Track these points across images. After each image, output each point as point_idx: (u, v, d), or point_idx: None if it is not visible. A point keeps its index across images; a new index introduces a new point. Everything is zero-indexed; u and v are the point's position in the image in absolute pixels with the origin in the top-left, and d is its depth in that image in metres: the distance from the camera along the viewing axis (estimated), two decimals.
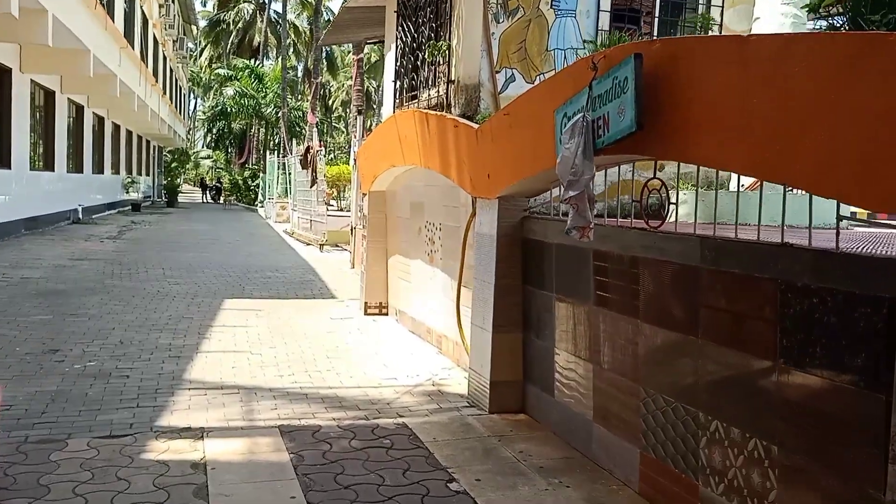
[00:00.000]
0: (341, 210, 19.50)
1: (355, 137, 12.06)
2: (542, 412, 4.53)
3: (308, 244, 16.31)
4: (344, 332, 7.17)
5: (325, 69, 60.22)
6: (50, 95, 17.31)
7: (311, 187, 15.59)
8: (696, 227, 3.25)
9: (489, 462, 3.87)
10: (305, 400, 4.96)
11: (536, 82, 5.82)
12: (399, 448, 4.03)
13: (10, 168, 13.93)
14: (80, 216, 19.78)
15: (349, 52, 76.95)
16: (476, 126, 5.03)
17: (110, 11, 18.46)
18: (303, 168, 16.14)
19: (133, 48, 21.94)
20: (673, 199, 3.52)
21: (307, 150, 15.67)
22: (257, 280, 10.33)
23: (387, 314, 8.07)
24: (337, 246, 16.00)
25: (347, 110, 73.15)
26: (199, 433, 4.14)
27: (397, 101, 7.68)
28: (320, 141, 16.65)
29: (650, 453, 3.40)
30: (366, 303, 8.09)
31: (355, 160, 11.88)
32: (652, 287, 3.39)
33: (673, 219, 3.46)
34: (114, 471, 3.55)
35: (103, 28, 16.56)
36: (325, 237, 15.12)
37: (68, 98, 18.84)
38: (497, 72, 5.81)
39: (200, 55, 58.02)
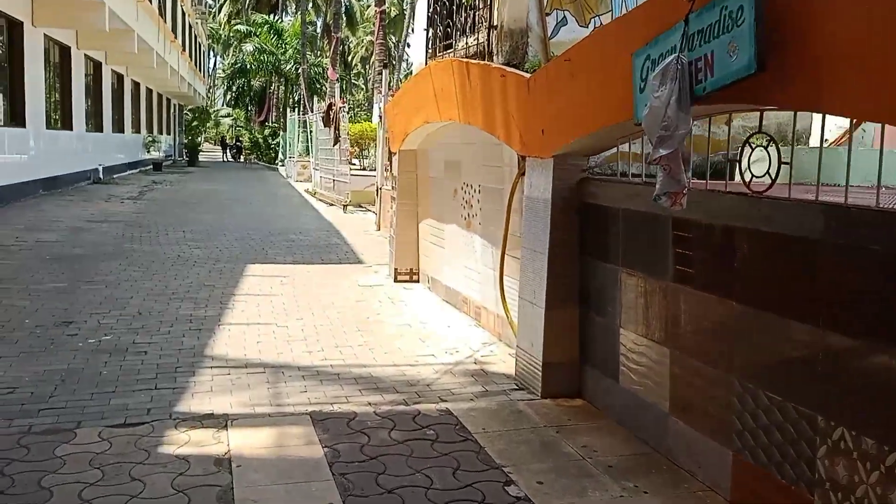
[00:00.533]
0: (364, 169, 18.96)
1: (379, 93, 11.45)
2: (604, 398, 4.04)
3: (331, 205, 15.84)
4: (374, 302, 6.70)
5: (345, 25, 59.00)
6: (65, 51, 16.81)
7: (333, 146, 15.04)
8: (790, 191, 2.70)
9: (549, 459, 3.40)
10: (337, 381, 4.51)
11: (591, 27, 5.19)
12: (445, 441, 3.57)
13: (24, 126, 13.52)
14: (101, 176, 19.45)
15: (369, 5, 75.43)
16: (527, 76, 4.44)
17: None
18: (325, 126, 15.57)
19: (150, 2, 21.27)
20: (775, 160, 2.94)
21: (329, 107, 15.07)
22: (280, 244, 9.89)
23: (417, 281, 7.59)
24: (361, 206, 15.51)
25: (367, 67, 71.84)
26: (222, 421, 3.72)
27: (430, 51, 7.06)
28: (342, 97, 16.01)
29: (747, 457, 2.90)
30: (395, 269, 7.61)
31: (381, 117, 11.31)
32: (754, 263, 2.84)
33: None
34: (127, 468, 3.14)
35: None
36: (348, 198, 14.62)
37: (85, 54, 18.34)
38: (547, 14, 5.18)
39: (219, 11, 57.05)
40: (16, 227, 9.97)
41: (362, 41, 73.60)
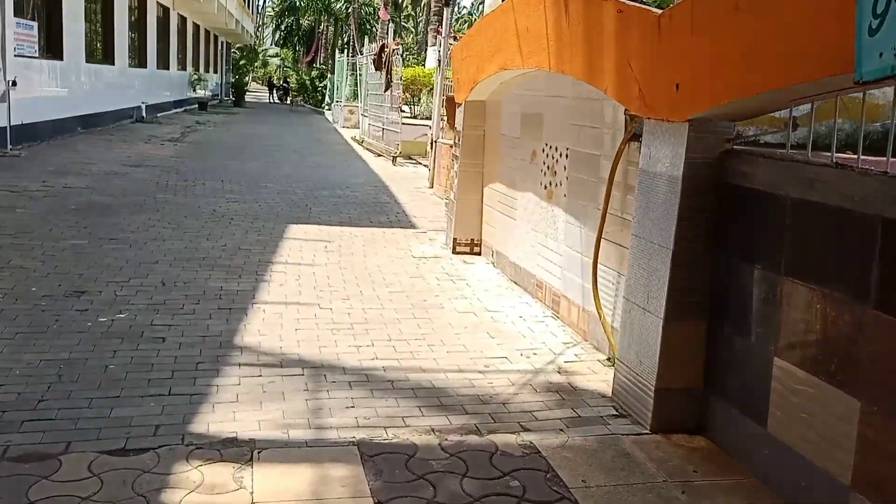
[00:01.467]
0: (416, 117, 17.90)
1: (436, 35, 10.32)
2: (739, 442, 3.09)
3: (379, 155, 14.89)
4: (431, 279, 5.80)
5: None
6: None
7: (384, 91, 13.99)
8: None
9: None
10: (391, 390, 3.64)
11: None
12: (535, 499, 2.68)
13: (62, 59, 12.80)
14: (144, 115, 18.82)
15: None
16: (658, 11, 3.37)
17: None
18: (376, 69, 14.50)
19: None
20: None
21: (381, 48, 13.98)
22: (325, 199, 9.02)
23: (479, 253, 6.65)
24: (410, 158, 14.54)
25: (418, 9, 69.75)
26: (247, 451, 2.89)
27: None
28: (395, 39, 14.88)
29: None
30: (455, 239, 6.67)
31: (438, 61, 10.22)
32: None
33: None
34: None
35: None
36: (398, 149, 13.64)
37: None
38: None
39: None
40: (45, 169, 9.29)
41: None
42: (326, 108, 33.52)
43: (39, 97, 11.77)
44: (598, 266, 4.27)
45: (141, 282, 5.07)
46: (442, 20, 19.44)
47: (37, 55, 11.48)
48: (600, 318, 4.23)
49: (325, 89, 35.12)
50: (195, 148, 13.60)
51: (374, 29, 36.73)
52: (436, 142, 10.30)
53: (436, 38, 18.53)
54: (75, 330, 4.10)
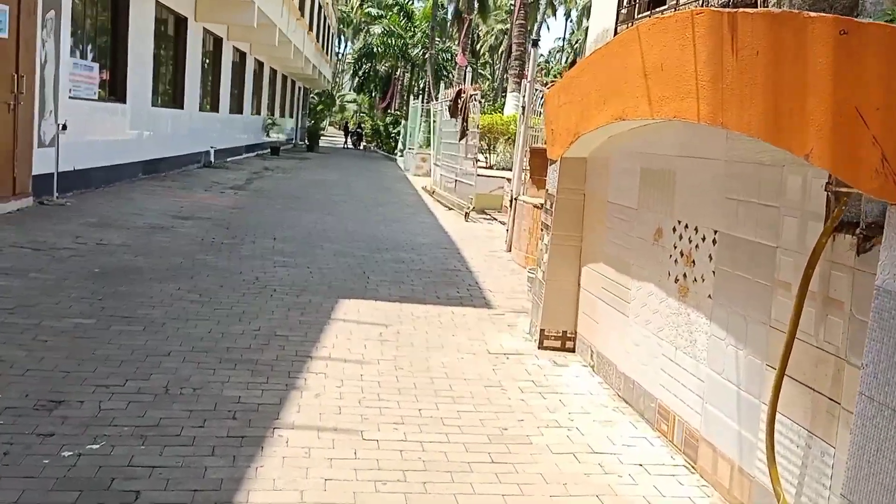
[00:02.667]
0: (491, 168, 16.73)
1: (516, 80, 9.13)
2: None
3: (450, 209, 13.73)
4: (512, 390, 4.43)
5: (476, 11, 57.10)
6: (182, 23, 15.61)
7: (459, 139, 12.89)
8: None
9: None
10: None
11: None
12: None
13: (124, 102, 12.25)
14: (212, 159, 18.36)
15: None
16: None
17: None
18: (451, 116, 13.45)
19: None
20: None
21: (458, 93, 12.93)
22: (387, 265, 7.82)
23: (573, 350, 5.25)
24: (484, 213, 13.31)
25: (496, 57, 69.64)
26: None
27: (624, 10, 4.67)
28: (474, 84, 13.82)
29: None
30: (542, 330, 5.29)
31: (523, 108, 9.00)
32: None
33: None
34: None
35: None
36: (472, 203, 12.43)
37: (204, 27, 17.17)
38: None
39: None
40: (85, 221, 8.46)
41: (492, 30, 71.47)
42: (399, 154, 32.94)
43: (96, 142, 11.17)
44: (777, 417, 2.83)
45: (139, 386, 3.90)
46: (523, 64, 18.41)
47: (95, 97, 10.92)
48: (778, 498, 2.76)
49: (399, 135, 34.64)
50: (256, 197, 12.76)
51: (450, 75, 36.23)
52: (516, 199, 9.01)
53: (517, 83, 17.46)
54: (22, 473, 2.92)
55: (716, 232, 3.49)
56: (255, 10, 16.86)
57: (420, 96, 31.29)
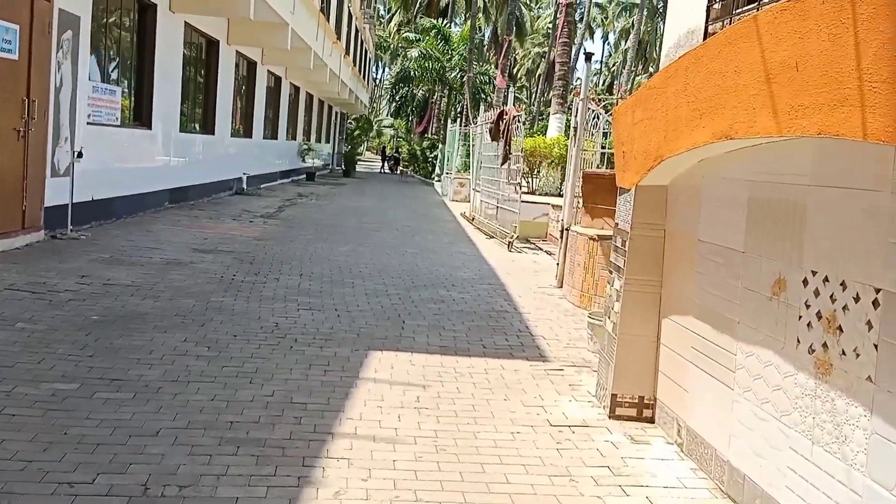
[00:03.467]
0: (533, 193, 15.81)
1: (576, 97, 8.24)
2: None
3: (491, 236, 12.84)
4: (585, 484, 3.48)
5: (514, 33, 56.54)
6: (213, 45, 15.15)
7: (501, 164, 12.02)
8: None
9: None
10: None
11: None
12: None
13: (149, 128, 11.71)
14: (245, 186, 17.83)
15: (539, 16, 72.54)
16: None
17: None
18: (492, 139, 12.61)
19: None
20: None
21: (500, 115, 12.10)
22: (424, 305, 6.94)
23: (651, 419, 4.28)
24: (528, 242, 12.38)
25: (533, 80, 68.88)
26: None
27: (717, 4, 3.77)
28: (517, 105, 12.98)
29: None
30: (613, 395, 4.33)
31: (574, 129, 8.11)
32: None
33: None
34: None
35: None
36: (515, 232, 11.52)
37: (237, 51, 16.72)
38: None
39: (389, 21, 56.74)
40: (97, 257, 7.79)
41: (529, 53, 70.94)
42: (436, 179, 32.28)
43: (118, 170, 10.59)
44: None
45: (111, 483, 3.07)
46: (567, 84, 17.52)
47: (118, 123, 10.36)
48: None
49: (436, 160, 34.01)
50: (286, 227, 12.05)
51: (488, 98, 35.54)
52: (567, 230, 8.08)
53: (561, 103, 16.57)
54: None
55: (878, 291, 2.53)
56: (290, 32, 16.35)
57: (457, 120, 30.70)
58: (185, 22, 13.01)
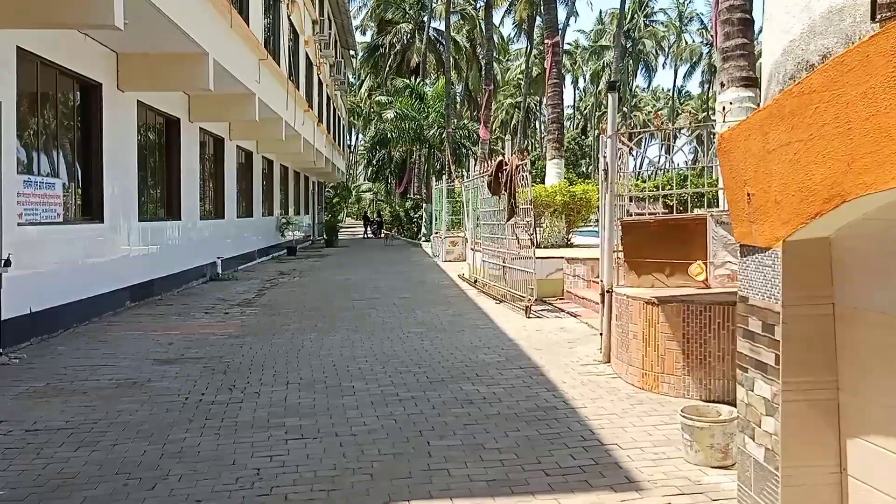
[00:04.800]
0: (538, 246, 14.38)
1: (603, 135, 6.87)
2: None
3: (500, 300, 11.36)
4: None
5: (493, 82, 56.26)
6: (173, 125, 13.84)
7: (507, 219, 10.62)
8: None
9: None
10: None
11: None
12: None
13: (101, 221, 10.23)
14: (219, 271, 16.28)
15: (508, 69, 72.90)
16: None
17: (242, 10, 14.82)
18: (492, 193, 11.24)
19: (278, 63, 18.42)
20: None
21: (499, 166, 10.76)
22: (449, 411, 5.38)
23: None
24: (545, 302, 10.90)
25: (508, 132, 68.58)
26: None
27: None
28: (520, 152, 11.66)
29: None
30: None
31: (605, 171, 6.74)
32: None
33: None
34: None
35: (228, 25, 12.77)
36: (533, 295, 10.02)
37: (200, 127, 15.42)
38: None
39: (360, 88, 56.38)
40: (27, 389, 6.18)
41: (502, 105, 70.93)
42: (423, 239, 30.96)
43: (63, 273, 9.05)
44: None
45: None
46: (562, 128, 16.37)
47: (60, 220, 8.88)
48: None
49: (421, 220, 32.77)
50: (266, 315, 10.48)
51: (469, 152, 34.63)
52: (609, 292, 6.60)
53: (557, 148, 15.34)
54: None
55: None
56: (257, 102, 15.09)
57: (438, 177, 29.65)
58: (138, 101, 11.69)
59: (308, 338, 8.54)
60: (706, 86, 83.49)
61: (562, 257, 11.53)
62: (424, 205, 32.49)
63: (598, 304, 9.87)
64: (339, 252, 27.32)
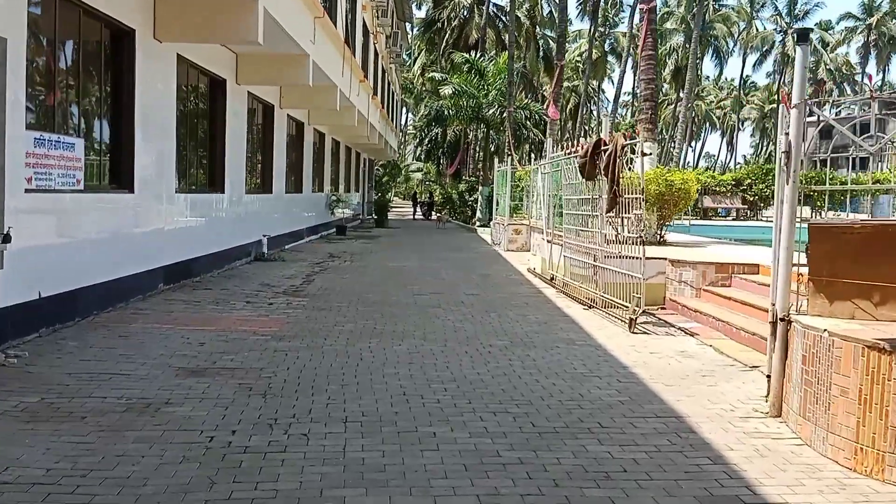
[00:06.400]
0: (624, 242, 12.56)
1: (783, 105, 5.04)
2: None
3: (588, 306, 9.63)
4: None
5: (543, 70, 53.93)
6: (218, 86, 12.39)
7: (608, 210, 8.85)
8: None
9: None
10: None
11: None
12: None
13: (131, 191, 8.81)
14: (266, 250, 14.90)
15: (567, 50, 70.94)
16: None
17: None
18: (587, 178, 9.47)
19: (334, 24, 16.82)
20: None
21: (597, 145, 9.00)
22: (583, 493, 3.72)
23: None
24: (645, 312, 9.10)
25: (565, 116, 66.06)
26: None
27: None
28: (623, 132, 9.85)
29: None
30: None
31: (786, 154, 4.94)
32: None
33: None
34: None
35: None
36: (640, 305, 8.25)
37: (248, 91, 13.97)
38: None
39: (414, 63, 54.63)
40: (13, 407, 4.76)
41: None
42: (478, 224, 29.26)
43: (81, 250, 7.66)
44: None
45: None
46: (655, 107, 14.44)
47: (81, 187, 7.47)
48: None
49: (476, 203, 31.04)
50: (316, 310, 8.97)
51: (529, 134, 32.67)
52: (786, 320, 4.83)
53: (650, 129, 13.43)
54: None
55: None
56: (311, 65, 13.54)
57: (493, 158, 27.91)
58: (178, 55, 10.23)
59: (367, 346, 6.98)
60: (775, 76, 79.27)
61: (664, 258, 9.72)
62: (480, 187, 30.75)
63: (715, 319, 8.09)
64: (389, 233, 25.85)
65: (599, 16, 57.38)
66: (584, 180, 9.71)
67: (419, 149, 46.23)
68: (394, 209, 46.32)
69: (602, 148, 8.91)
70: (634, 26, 52.66)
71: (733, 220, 27.40)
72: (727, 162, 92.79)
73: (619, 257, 8.93)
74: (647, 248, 8.72)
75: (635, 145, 8.81)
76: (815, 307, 4.77)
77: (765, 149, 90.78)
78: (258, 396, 5.21)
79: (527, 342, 7.36)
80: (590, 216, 9.97)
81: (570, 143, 11.55)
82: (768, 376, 5.01)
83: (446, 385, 5.64)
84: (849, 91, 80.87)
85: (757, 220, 28.66)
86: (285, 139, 17.54)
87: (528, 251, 18.35)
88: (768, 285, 8.50)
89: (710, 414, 5.04)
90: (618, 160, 8.36)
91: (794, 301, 4.92)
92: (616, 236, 9.01)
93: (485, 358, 6.61)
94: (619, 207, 8.63)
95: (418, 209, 40.89)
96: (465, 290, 11.07)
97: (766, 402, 5.07)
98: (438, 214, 35.05)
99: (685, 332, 7.93)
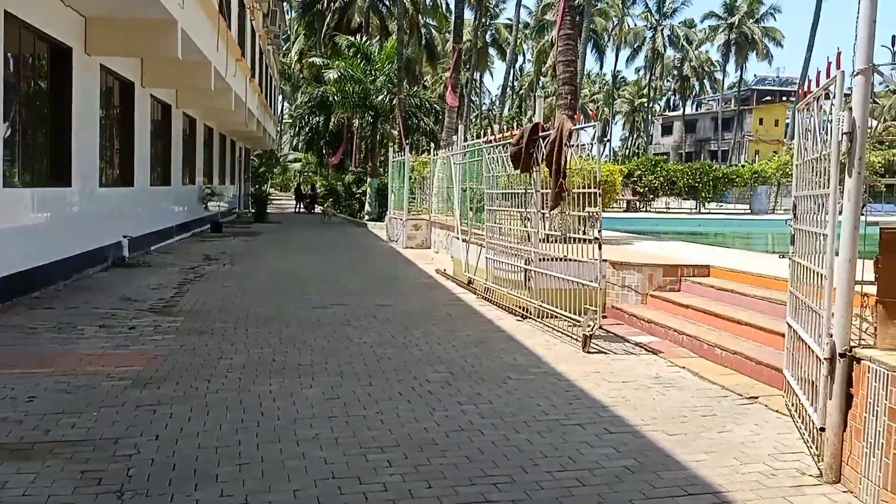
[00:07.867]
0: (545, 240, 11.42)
1: (796, 99, 3.86)
2: None
3: (523, 316, 8.36)
4: None
5: (425, 59, 52.64)
6: (64, 57, 10.05)
7: (551, 208, 7.56)
8: None
9: None
10: None
11: None
12: None
13: None
14: (126, 254, 12.58)
15: (447, 40, 70.15)
16: None
17: None
18: (520, 169, 8.14)
19: None
20: None
21: (534, 130, 7.69)
22: None
23: None
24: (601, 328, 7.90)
25: (445, 104, 65.34)
26: None
27: None
28: (570, 112, 8.57)
29: None
30: None
31: (840, 142, 3.75)
32: None
33: None
34: None
35: None
36: (596, 321, 6.98)
37: (102, 64, 11.61)
38: None
39: (291, 48, 51.66)
40: None
41: (440, 78, 67.40)
42: (367, 218, 27.55)
43: None
44: None
45: None
46: (576, 90, 13.36)
47: None
48: None
49: (365, 196, 29.29)
50: (193, 335, 7.10)
51: (420, 123, 31.25)
52: (848, 358, 3.68)
53: (571, 117, 12.32)
54: None
55: None
56: (179, 34, 11.37)
57: (385, 148, 26.42)
58: (6, 11, 7.94)
59: (267, 390, 5.28)
60: (643, 72, 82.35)
61: (605, 260, 8.59)
62: (368, 179, 29.03)
63: (675, 332, 7.02)
64: (271, 229, 23.61)
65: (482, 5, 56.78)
66: (515, 172, 8.38)
67: (297, 138, 43.69)
68: (272, 202, 43.59)
69: (540, 135, 7.62)
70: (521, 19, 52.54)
71: (624, 211, 27.40)
72: (601, 154, 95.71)
73: (563, 260, 7.68)
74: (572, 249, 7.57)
75: (584, 130, 7.56)
76: (885, 338, 3.65)
77: (633, 142, 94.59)
78: (111, 497, 3.45)
79: (470, 373, 5.92)
80: (522, 213, 8.68)
81: (536, 124, 10.22)
82: (821, 429, 3.84)
83: (388, 454, 4.10)
84: (708, 89, 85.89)
85: (647, 212, 28.88)
86: (149, 124, 15.11)
87: (429, 248, 16.99)
88: (725, 290, 7.61)
89: (751, 483, 3.82)
90: (563, 148, 7.08)
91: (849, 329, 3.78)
92: (561, 236, 7.75)
93: (426, 401, 5.11)
94: (564, 204, 7.36)
95: (301, 202, 38.48)
96: (374, 300, 9.49)
97: (814, 458, 3.92)
98: (323, 208, 32.96)
99: (645, 349, 6.80)
